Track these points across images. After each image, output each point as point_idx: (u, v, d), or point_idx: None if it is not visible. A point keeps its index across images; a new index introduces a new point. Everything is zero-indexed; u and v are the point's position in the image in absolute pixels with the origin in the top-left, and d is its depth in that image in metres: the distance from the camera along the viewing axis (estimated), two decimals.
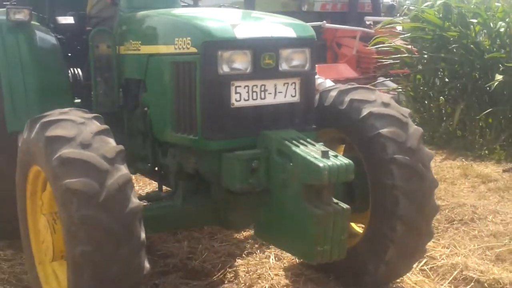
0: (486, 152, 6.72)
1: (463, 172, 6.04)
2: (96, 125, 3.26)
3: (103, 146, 3.12)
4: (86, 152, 3.04)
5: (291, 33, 3.55)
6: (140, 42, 4.03)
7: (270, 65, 3.45)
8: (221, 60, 3.35)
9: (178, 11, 4.15)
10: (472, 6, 7.34)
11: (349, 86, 4.08)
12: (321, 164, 3.09)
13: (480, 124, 7.24)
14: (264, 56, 3.44)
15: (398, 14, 11.88)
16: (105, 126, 3.29)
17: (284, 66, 3.52)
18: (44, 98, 4.49)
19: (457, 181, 5.84)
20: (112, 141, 3.20)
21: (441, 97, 7.65)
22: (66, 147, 3.05)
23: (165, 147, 3.91)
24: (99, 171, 2.98)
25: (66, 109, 3.45)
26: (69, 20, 5.39)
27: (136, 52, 4.08)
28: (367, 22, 11.07)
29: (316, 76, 7.54)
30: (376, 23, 10.85)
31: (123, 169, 3.08)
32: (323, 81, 7.22)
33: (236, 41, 3.37)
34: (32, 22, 4.76)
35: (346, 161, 3.20)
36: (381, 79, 9.01)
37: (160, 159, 4.00)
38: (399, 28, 9.02)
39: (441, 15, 7.36)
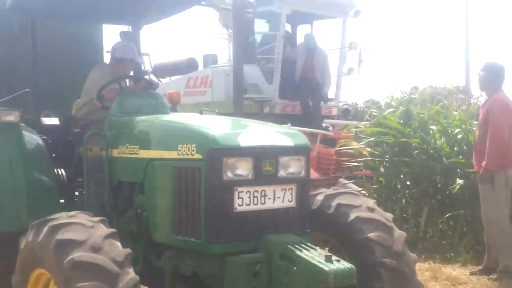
0: (452, 254, 6.97)
1: (433, 275, 6.22)
2: (104, 229, 3.34)
3: (113, 249, 3.20)
4: (98, 255, 3.11)
5: (289, 142, 3.77)
6: (138, 146, 4.16)
7: (270, 171, 3.65)
8: (226, 167, 3.52)
9: (178, 118, 4.34)
10: (431, 113, 7.83)
11: (335, 191, 4.29)
12: (326, 268, 3.24)
13: (443, 228, 7.54)
14: (265, 163, 3.63)
15: (350, 117, 12.45)
16: (113, 230, 3.38)
17: (282, 173, 3.71)
18: (32, 196, 4.54)
19: (429, 283, 5.99)
20: (119, 244, 3.29)
21: (403, 200, 7.97)
22: (78, 250, 3.11)
23: (159, 250, 3.97)
24: (110, 275, 3.06)
25: (73, 212, 3.52)
26: (54, 121, 5.50)
27: (133, 156, 4.20)
28: (324, 125, 11.53)
29: None
30: (333, 125, 11.35)
31: (132, 273, 3.17)
32: None
33: (240, 149, 3.56)
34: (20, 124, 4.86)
35: (348, 265, 3.36)
36: (343, 181, 9.29)
37: (154, 261, 4.04)
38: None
39: (402, 121, 7.82)
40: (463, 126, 7.42)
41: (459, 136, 7.35)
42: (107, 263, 3.08)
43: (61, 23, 6.47)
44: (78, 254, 3.08)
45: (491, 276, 6.14)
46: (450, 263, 6.73)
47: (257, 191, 3.63)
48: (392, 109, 8.16)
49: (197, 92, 12.11)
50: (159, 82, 13.54)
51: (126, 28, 6.25)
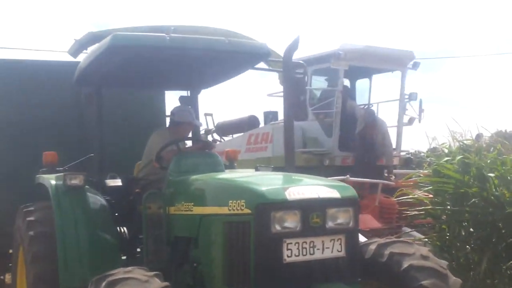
0: None
1: None
2: (158, 283, 3.53)
3: None
4: None
5: (336, 194, 3.91)
6: (192, 203, 4.39)
7: (318, 223, 3.78)
8: (274, 220, 3.68)
9: (228, 175, 4.55)
10: (488, 161, 7.75)
11: (388, 240, 4.36)
12: None
13: (509, 273, 7.35)
14: (312, 215, 3.77)
15: (414, 166, 12.36)
16: (166, 283, 3.57)
17: (330, 224, 3.84)
18: (95, 255, 4.80)
19: None
20: None
21: (467, 246, 7.83)
22: None
23: None
24: None
25: (129, 268, 3.73)
26: (117, 182, 5.81)
27: (188, 212, 4.43)
28: (386, 175, 11.51)
29: None
30: (395, 175, 11.31)
31: None
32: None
33: (287, 203, 3.72)
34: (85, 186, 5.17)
35: None
36: (406, 229, 9.22)
37: None
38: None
39: (460, 169, 7.75)
40: None
41: None
42: None
43: (124, 91, 6.87)
44: None
45: None
46: None
47: (306, 242, 3.76)
48: (449, 158, 8.11)
49: (258, 148, 12.36)
50: (222, 140, 13.93)
51: (185, 93, 6.60)
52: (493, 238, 7.47)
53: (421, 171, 8.95)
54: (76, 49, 6.21)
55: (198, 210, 4.31)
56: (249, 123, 13.24)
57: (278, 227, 3.69)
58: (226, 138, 14.14)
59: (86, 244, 4.81)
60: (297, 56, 12.35)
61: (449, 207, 7.87)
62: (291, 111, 5.14)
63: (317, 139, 11.61)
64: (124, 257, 5.15)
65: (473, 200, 7.49)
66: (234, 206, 3.88)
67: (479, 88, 51.43)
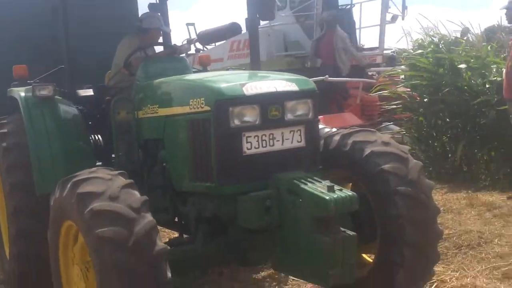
0: (490, 182, 7.02)
1: (469, 202, 6.34)
2: (122, 180, 3.65)
3: (129, 197, 3.50)
4: (115, 204, 3.42)
5: (294, 87, 3.97)
6: (157, 105, 4.46)
7: (277, 116, 3.86)
8: (233, 115, 3.76)
9: (191, 76, 4.61)
10: (462, 53, 7.86)
11: (351, 130, 4.46)
12: (327, 197, 3.46)
13: (485, 158, 7.57)
14: (271, 108, 3.85)
15: (398, 64, 12.38)
16: (130, 180, 3.68)
17: (289, 116, 3.92)
18: (69, 162, 4.88)
19: (464, 210, 6.14)
20: (137, 193, 3.59)
21: (444, 136, 8.02)
22: (97, 201, 3.43)
23: (184, 197, 4.29)
24: (127, 220, 3.36)
25: (94, 168, 3.86)
26: (88, 92, 5.85)
27: (154, 115, 4.51)
28: (370, 73, 11.55)
29: (323, 126, 7.99)
30: (378, 73, 11.35)
31: (148, 217, 3.45)
32: (329, 130, 7.62)
33: (245, 98, 3.79)
34: (56, 97, 5.21)
35: (350, 193, 3.56)
36: (385, 123, 9.40)
37: (180, 208, 4.37)
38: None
39: (434, 62, 7.87)
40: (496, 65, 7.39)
41: (493, 76, 7.33)
42: (124, 209, 3.38)
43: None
44: (96, 204, 3.39)
45: None
46: (488, 190, 6.80)
47: (265, 135, 3.85)
48: (421, 51, 8.21)
49: (240, 55, 12.34)
50: (205, 49, 13.85)
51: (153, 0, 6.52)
52: (468, 127, 7.65)
53: (398, 67, 9.03)
54: None
55: (163, 111, 4.38)
56: (231, 30, 13.12)
57: (237, 122, 3.77)
58: (209, 47, 14.07)
59: (59, 151, 4.86)
60: None
61: (425, 99, 8.03)
62: (254, 11, 5.10)
63: (298, 42, 11.58)
64: (99, 163, 5.25)
65: (447, 89, 7.63)
66: (195, 104, 3.95)
67: None
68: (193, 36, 14.35)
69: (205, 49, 13.82)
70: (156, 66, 5.01)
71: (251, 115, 3.81)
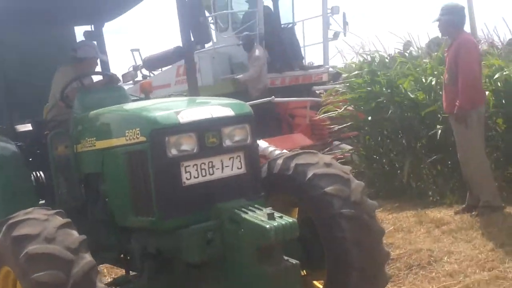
0: (438, 198, 7.08)
1: (418, 220, 6.36)
2: (59, 220, 3.52)
3: (67, 238, 3.37)
4: (51, 246, 3.28)
5: (230, 112, 3.91)
6: (94, 138, 4.35)
7: (215, 143, 3.79)
8: (169, 145, 3.68)
9: (126, 106, 4.50)
10: (398, 68, 7.98)
11: (294, 153, 4.42)
12: (267, 226, 3.39)
13: (433, 172, 7.64)
14: (208, 135, 3.78)
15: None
16: (67, 220, 3.54)
17: (227, 143, 3.86)
18: (9, 202, 4.71)
19: (413, 228, 6.15)
20: (75, 233, 3.45)
21: (391, 153, 8.08)
22: (32, 243, 3.29)
23: (128, 233, 4.16)
24: (64, 262, 3.23)
25: (30, 209, 3.70)
26: (27, 127, 5.67)
27: (92, 148, 4.39)
28: (317, 92, 11.61)
29: (273, 148, 7.97)
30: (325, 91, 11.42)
31: (87, 257, 3.33)
32: (279, 152, 7.59)
33: (181, 126, 3.71)
34: None
35: (290, 220, 3.50)
36: (336, 143, 9.44)
37: (125, 244, 4.24)
38: None
39: (369, 81, 7.98)
40: (435, 72, 7.47)
41: (433, 83, 7.40)
42: (60, 251, 3.25)
43: (26, 28, 6.58)
44: (32, 247, 3.25)
45: (473, 213, 6.24)
46: (436, 206, 6.84)
47: (204, 163, 3.78)
48: (357, 72, 8.33)
49: (181, 80, 12.23)
50: (152, 75, 13.72)
51: (88, 27, 6.40)
52: (412, 143, 7.72)
53: (338, 85, 9.12)
54: None
55: (100, 144, 4.26)
56: (175, 54, 12.97)
57: (174, 151, 3.69)
58: (155, 73, 13.93)
59: None
60: None
61: (369, 117, 8.09)
62: (188, 36, 5.06)
63: (243, 64, 11.56)
64: (43, 202, 5.09)
65: (389, 109, 7.72)
66: (131, 135, 3.86)
67: None
68: (139, 62, 14.22)
69: (151, 75, 13.68)
70: (93, 97, 4.90)
71: (188, 144, 3.74)
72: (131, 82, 14.21)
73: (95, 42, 5.94)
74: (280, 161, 4.31)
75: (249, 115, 4.02)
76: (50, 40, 6.72)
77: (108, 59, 6.34)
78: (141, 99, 6.28)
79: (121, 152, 3.96)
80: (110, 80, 5.66)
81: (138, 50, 14.27)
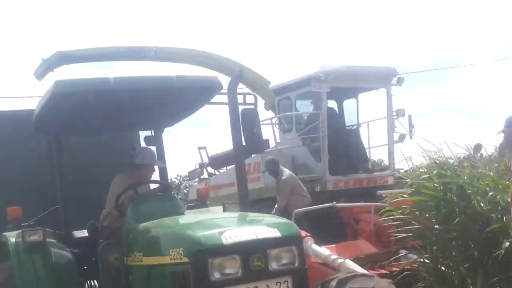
0: None
1: None
2: None
3: None
4: None
5: (276, 233, 3.75)
6: (142, 254, 4.25)
7: (260, 266, 3.63)
8: (212, 267, 3.54)
9: (173, 221, 4.41)
10: (465, 178, 7.59)
11: (348, 275, 4.20)
12: None
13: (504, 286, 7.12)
14: (253, 258, 3.62)
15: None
16: None
17: (274, 266, 3.69)
18: None
19: None
20: None
21: (461, 267, 7.60)
22: None
23: None
24: None
25: None
26: (84, 233, 5.67)
27: (139, 263, 4.30)
28: (383, 195, 11.29)
29: (336, 256, 7.68)
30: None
31: None
32: (342, 261, 7.30)
33: (224, 247, 3.57)
34: (48, 240, 5.03)
35: None
36: (402, 251, 8.99)
37: None
38: None
39: (441, 187, 7.59)
40: (500, 186, 7.10)
41: (498, 197, 7.01)
42: None
43: (90, 134, 6.74)
44: None
45: None
46: None
47: None
48: (426, 175, 7.94)
49: (251, 179, 12.17)
50: (217, 173, 13.79)
51: (149, 133, 6.50)
52: (484, 258, 7.25)
53: (404, 190, 8.76)
54: (44, 70, 6.05)
55: (147, 260, 4.19)
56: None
57: (217, 275, 3.56)
58: (221, 171, 14.00)
59: None
60: (278, 80, 12.40)
61: (436, 226, 7.68)
62: (240, 145, 5.00)
63: (307, 165, 11.46)
64: None
65: (458, 219, 7.31)
66: (175, 255, 3.77)
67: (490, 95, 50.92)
68: (205, 160, 14.37)
69: (217, 173, 13.77)
70: (145, 206, 4.88)
71: (232, 267, 3.60)
72: (196, 179, 14.39)
73: (153, 149, 5.99)
74: (333, 283, 4.10)
75: (297, 236, 3.87)
76: (111, 146, 6.88)
77: (165, 166, 6.36)
78: (197, 205, 6.27)
79: (166, 272, 3.86)
80: (164, 188, 5.64)
81: (204, 148, 14.44)
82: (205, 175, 13.97)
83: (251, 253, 3.62)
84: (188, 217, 4.54)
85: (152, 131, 6.44)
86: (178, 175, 30.08)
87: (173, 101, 5.41)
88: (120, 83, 4.67)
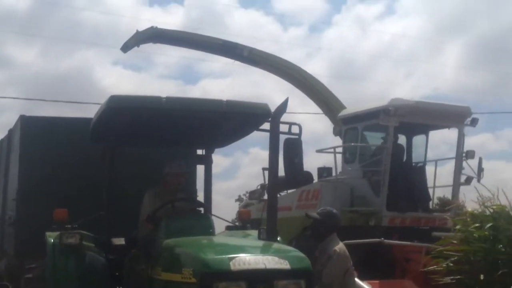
0: None
1: None
2: None
3: None
4: None
5: (285, 265, 3.79)
6: (161, 268, 4.40)
7: None
8: None
9: (193, 241, 4.54)
10: None
11: None
12: None
13: None
14: (258, 287, 3.67)
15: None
16: None
17: None
18: None
19: None
20: None
21: None
22: None
23: None
24: None
25: None
26: (121, 241, 5.88)
27: (158, 277, 4.44)
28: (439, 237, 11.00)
29: None
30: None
31: None
32: None
33: (231, 273, 3.65)
34: (85, 243, 5.25)
35: None
36: None
37: None
38: None
39: (491, 237, 7.39)
40: None
41: None
42: None
43: (143, 148, 7.01)
44: None
45: None
46: None
47: None
48: (478, 224, 7.72)
49: (308, 205, 12.13)
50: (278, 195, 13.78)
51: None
52: None
53: (453, 234, 8.54)
54: (133, 43, 6.15)
55: (164, 275, 4.32)
56: (302, 179, 13.06)
57: None
58: (282, 194, 14.04)
59: None
60: (348, 110, 12.33)
61: (482, 276, 7.47)
62: (275, 173, 5.06)
63: (365, 198, 11.30)
64: None
65: (504, 270, 7.08)
66: (185, 274, 3.88)
67: None
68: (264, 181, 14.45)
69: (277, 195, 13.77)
70: (178, 223, 5.02)
71: None
72: (256, 199, 14.46)
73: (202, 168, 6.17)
74: None
75: (307, 270, 3.89)
76: (161, 162, 7.10)
77: (210, 185, 6.49)
78: (236, 227, 6.37)
79: None
80: (198, 206, 5.79)
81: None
82: (266, 196, 14.03)
83: (257, 282, 3.68)
84: (210, 239, 4.65)
85: (203, 150, 6.62)
86: (247, 192, 30.20)
87: (223, 124, 5.56)
88: (172, 103, 4.85)
